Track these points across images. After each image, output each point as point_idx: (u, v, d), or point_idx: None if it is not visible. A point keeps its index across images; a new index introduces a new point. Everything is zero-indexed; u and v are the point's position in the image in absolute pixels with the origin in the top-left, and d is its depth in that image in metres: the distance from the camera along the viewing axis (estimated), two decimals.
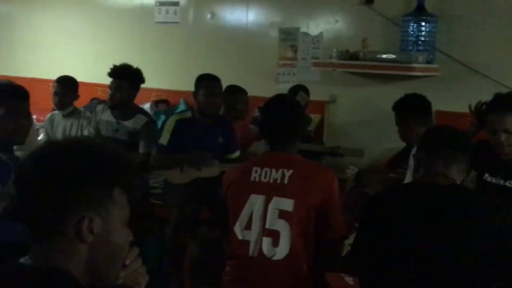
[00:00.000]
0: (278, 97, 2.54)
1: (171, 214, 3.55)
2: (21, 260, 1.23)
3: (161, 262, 3.77)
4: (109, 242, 1.22)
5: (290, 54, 5.04)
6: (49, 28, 6.36)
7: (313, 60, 4.82)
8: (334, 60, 4.51)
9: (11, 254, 1.27)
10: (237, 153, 3.83)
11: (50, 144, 1.28)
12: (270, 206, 2.27)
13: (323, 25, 4.89)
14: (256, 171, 2.34)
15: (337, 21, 4.82)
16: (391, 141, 3.93)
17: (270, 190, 2.29)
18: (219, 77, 3.76)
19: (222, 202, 2.44)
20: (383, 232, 1.99)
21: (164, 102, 5.42)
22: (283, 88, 4.62)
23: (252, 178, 2.33)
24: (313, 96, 4.62)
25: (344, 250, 2.45)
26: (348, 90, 4.79)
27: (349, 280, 2.49)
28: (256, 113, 4.36)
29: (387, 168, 3.96)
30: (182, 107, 5.14)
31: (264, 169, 2.33)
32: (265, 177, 2.32)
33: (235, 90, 4.07)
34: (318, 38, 4.90)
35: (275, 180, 2.30)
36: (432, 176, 2.01)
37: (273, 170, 2.32)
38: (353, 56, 4.45)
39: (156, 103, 5.35)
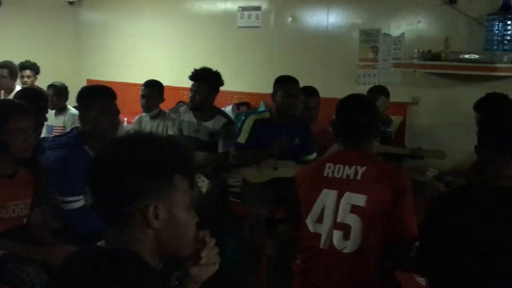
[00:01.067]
0: (351, 97, 2.55)
1: (248, 213, 3.64)
2: (98, 243, 1.36)
3: (239, 259, 3.86)
4: (175, 226, 1.32)
5: (370, 55, 5.01)
6: (139, 35, 6.67)
7: (394, 61, 4.76)
8: (415, 61, 4.44)
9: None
10: (313, 155, 3.83)
11: (112, 143, 1.38)
12: (342, 201, 2.29)
13: (404, 26, 4.83)
14: (329, 167, 2.37)
15: (419, 21, 4.74)
16: (475, 144, 3.81)
17: (343, 185, 2.31)
18: (300, 79, 3.78)
19: (295, 199, 2.49)
20: (449, 235, 1.96)
21: (245, 105, 5.52)
22: (364, 89, 4.57)
23: (325, 174, 2.36)
24: (394, 98, 4.55)
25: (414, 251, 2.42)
26: (430, 91, 4.70)
27: (421, 280, 2.46)
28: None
29: (473, 171, 3.84)
30: (262, 109, 5.20)
31: (337, 166, 2.36)
32: (338, 173, 2.34)
33: (305, 92, 4.00)
34: (399, 38, 4.84)
35: (348, 176, 2.32)
36: (496, 178, 1.95)
37: (346, 166, 2.33)
38: (435, 57, 4.36)
39: (237, 105, 5.46)
